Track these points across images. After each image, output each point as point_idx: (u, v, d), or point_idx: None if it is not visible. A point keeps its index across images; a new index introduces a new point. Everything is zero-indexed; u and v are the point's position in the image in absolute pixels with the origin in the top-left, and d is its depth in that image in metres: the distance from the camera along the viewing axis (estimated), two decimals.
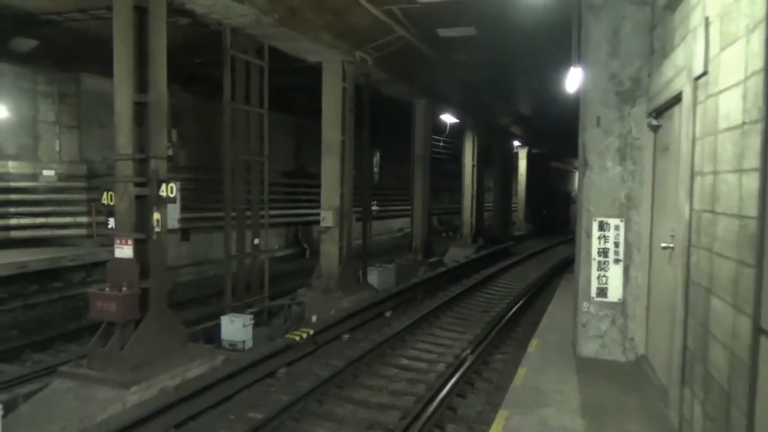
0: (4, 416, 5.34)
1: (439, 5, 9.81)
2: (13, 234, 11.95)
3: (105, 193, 7.15)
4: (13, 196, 11.92)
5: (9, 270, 10.37)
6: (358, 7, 9.61)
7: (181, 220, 12.58)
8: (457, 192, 22.36)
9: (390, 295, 12.13)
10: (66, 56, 12.40)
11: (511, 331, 10.37)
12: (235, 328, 8.53)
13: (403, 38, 11.48)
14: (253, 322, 8.75)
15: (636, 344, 5.98)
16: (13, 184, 11.91)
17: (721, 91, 3.35)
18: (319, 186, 11.99)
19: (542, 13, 9.84)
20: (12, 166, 11.92)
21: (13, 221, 11.92)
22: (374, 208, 19.86)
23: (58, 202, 12.56)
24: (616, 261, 5.98)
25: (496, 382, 7.54)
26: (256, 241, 10.40)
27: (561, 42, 8.87)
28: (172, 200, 7.21)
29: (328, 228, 11.67)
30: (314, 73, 11.63)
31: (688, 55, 4.05)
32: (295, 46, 10.41)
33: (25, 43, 11.42)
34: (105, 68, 7.45)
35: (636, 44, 5.83)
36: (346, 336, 9.62)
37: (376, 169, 24.22)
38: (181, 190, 9.43)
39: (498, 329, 9.89)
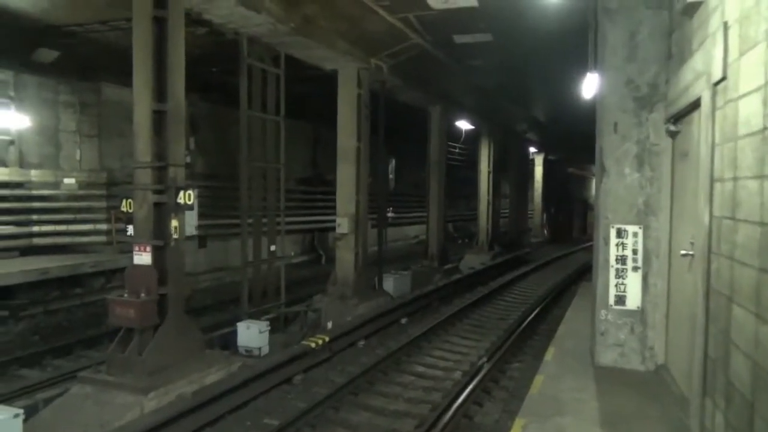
0: (25, 421, 5.41)
1: (455, 12, 9.83)
2: (35, 241, 12.16)
3: (124, 201, 7.23)
4: (36, 204, 12.14)
5: (31, 276, 10.55)
6: (373, 15, 9.67)
7: (199, 227, 12.73)
8: (473, 198, 22.29)
9: (406, 302, 12.11)
10: (87, 66, 12.63)
11: (527, 338, 10.28)
12: (252, 334, 8.57)
13: (418, 45, 11.51)
14: (269, 328, 8.78)
15: (656, 353, 5.89)
16: (35, 192, 12.13)
17: (740, 97, 3.31)
18: (334, 193, 12.03)
19: (558, 19, 9.81)
20: (34, 174, 12.15)
21: (36, 228, 12.14)
22: (390, 214, 19.86)
23: (78, 210, 12.76)
24: (635, 268, 5.91)
25: (513, 390, 7.48)
26: (273, 247, 10.46)
27: (577, 47, 8.83)
28: (190, 207, 7.28)
29: (343, 235, 11.70)
30: (330, 80, 11.71)
31: (706, 60, 4.00)
32: (311, 54, 10.49)
33: (47, 54, 11.66)
34: (124, 78, 7.57)
35: (653, 49, 5.78)
36: (361, 343, 9.62)
37: (391, 176, 24.25)
38: (199, 197, 9.54)
39: (514, 337, 9.82)
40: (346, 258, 11.73)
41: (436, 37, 11.59)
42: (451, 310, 11.81)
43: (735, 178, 3.37)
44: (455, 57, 13.10)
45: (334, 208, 12.04)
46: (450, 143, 21.15)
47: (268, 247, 10.41)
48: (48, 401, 6.68)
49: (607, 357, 6.04)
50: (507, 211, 26.41)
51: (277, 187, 10.58)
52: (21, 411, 5.32)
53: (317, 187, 19.90)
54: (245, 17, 8.33)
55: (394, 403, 7.00)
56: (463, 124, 18.95)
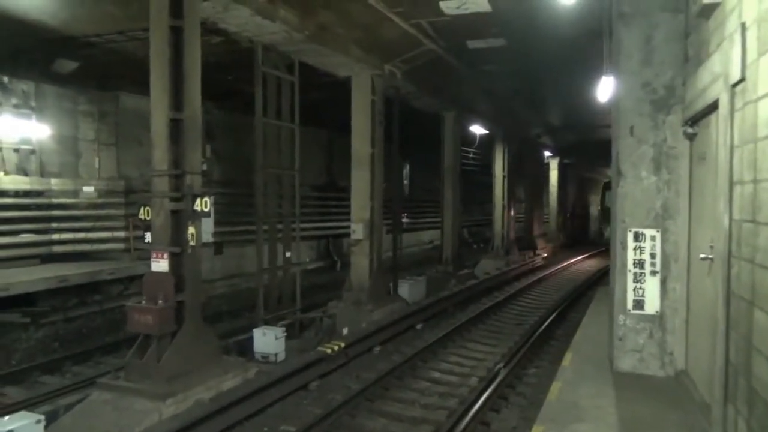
0: (46, 426, 5.49)
1: (468, 17, 9.83)
2: (56, 249, 12.33)
3: (142, 208, 7.32)
4: (56, 212, 12.33)
5: (51, 284, 10.70)
6: (387, 21, 9.71)
7: (215, 234, 12.82)
8: (488, 203, 22.21)
9: (421, 307, 12.08)
10: (105, 76, 12.83)
11: (544, 344, 10.20)
12: (268, 340, 8.60)
13: (432, 51, 11.53)
14: (285, 334, 8.81)
15: (675, 358, 5.81)
16: (55, 201, 12.32)
17: (759, 98, 3.27)
18: (349, 199, 12.07)
19: (572, 23, 9.76)
20: (54, 183, 12.34)
21: (56, 236, 12.32)
22: (404, 220, 19.86)
23: (97, 218, 12.93)
24: (653, 272, 5.84)
25: (530, 397, 7.42)
26: (288, 254, 10.51)
27: (592, 51, 8.79)
28: (207, 214, 7.34)
29: (358, 240, 11.71)
30: (344, 87, 11.76)
31: (724, 62, 3.96)
32: (325, 61, 10.57)
33: (66, 65, 11.86)
34: (142, 87, 7.68)
35: (669, 52, 5.73)
36: (377, 349, 9.61)
37: (406, 182, 24.25)
38: (215, 204, 9.61)
39: (531, 342, 9.74)
40: (361, 264, 11.74)
41: (449, 43, 11.60)
42: (466, 316, 11.77)
43: (755, 181, 3.32)
44: (468, 62, 13.09)
45: (349, 214, 12.07)
46: (464, 148, 21.15)
47: (284, 254, 10.46)
48: (69, 407, 6.76)
49: (625, 362, 5.97)
50: (522, 215, 26.28)
51: (292, 193, 10.64)
52: (42, 417, 5.41)
53: (332, 193, 19.98)
54: (260, 26, 8.42)
55: (411, 410, 6.98)
56: (477, 129, 18.91)
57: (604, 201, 29.03)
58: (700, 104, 4.80)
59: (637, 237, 5.87)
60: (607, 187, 28.06)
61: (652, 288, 5.85)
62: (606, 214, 28.17)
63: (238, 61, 10.34)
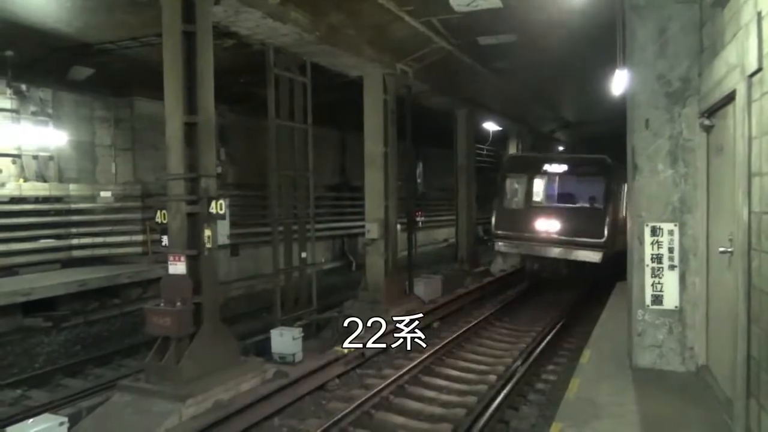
0: (69, 428, 5.57)
1: (479, 14, 9.78)
2: (75, 253, 12.52)
3: (158, 212, 7.39)
4: (75, 218, 12.51)
5: (71, 288, 10.87)
6: (397, 20, 9.70)
7: (231, 236, 12.92)
8: None
9: (437, 306, 12.06)
10: (120, 82, 12.98)
11: (562, 341, 10.13)
12: (285, 341, 8.63)
13: (443, 49, 11.50)
14: (302, 335, 8.84)
15: (696, 354, 5.73)
16: (73, 206, 12.51)
17: None
18: (363, 198, 12.08)
19: (584, 16, 9.67)
20: (73, 188, 12.53)
21: (75, 241, 12.50)
22: (419, 219, 19.67)
23: (115, 222, 13.10)
24: (671, 267, 5.77)
25: (549, 394, 7.38)
26: (304, 254, 10.54)
27: (605, 44, 8.68)
28: (222, 217, 7.39)
29: (373, 240, 11.71)
30: (357, 87, 11.77)
31: (740, 52, 3.91)
32: (337, 61, 10.59)
33: (82, 72, 12.03)
34: (156, 92, 7.75)
35: (684, 43, 5.65)
36: (393, 347, 9.59)
37: (419, 180, 24.15)
38: (230, 206, 9.68)
39: (549, 339, 9.68)
40: (376, 263, 11.74)
41: (460, 40, 11.55)
42: (483, 314, 11.72)
43: None
44: (480, 59, 13.03)
45: (363, 213, 12.08)
46: (478, 145, 21.02)
47: (299, 254, 10.49)
48: (91, 409, 6.85)
49: (645, 358, 5.91)
50: None
51: (306, 194, 10.67)
52: (65, 419, 5.48)
53: (346, 193, 20.00)
54: (272, 28, 8.46)
55: (429, 407, 6.97)
56: (491, 126, 18.81)
57: (503, 195, 15.51)
58: (717, 95, 4.74)
59: (654, 231, 5.80)
60: (509, 173, 16.73)
61: (670, 283, 5.78)
62: (504, 217, 16.28)
63: (250, 64, 10.39)
